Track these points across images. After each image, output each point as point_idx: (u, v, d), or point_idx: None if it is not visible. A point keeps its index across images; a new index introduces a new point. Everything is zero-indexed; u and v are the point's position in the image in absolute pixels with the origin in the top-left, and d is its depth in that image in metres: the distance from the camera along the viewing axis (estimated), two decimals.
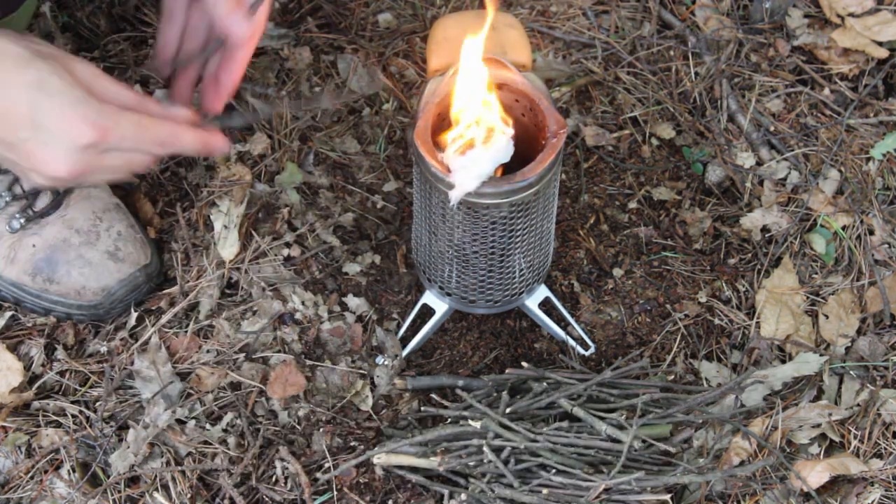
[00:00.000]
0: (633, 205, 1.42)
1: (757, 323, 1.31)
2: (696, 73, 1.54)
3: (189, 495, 1.15)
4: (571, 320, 1.30)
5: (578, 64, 1.55)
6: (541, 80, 1.10)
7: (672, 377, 1.27)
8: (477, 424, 1.13)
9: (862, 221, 1.39)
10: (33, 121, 0.85)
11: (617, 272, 1.36)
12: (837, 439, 1.21)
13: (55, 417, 1.21)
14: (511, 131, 1.03)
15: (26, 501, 1.16)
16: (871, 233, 1.38)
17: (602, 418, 1.14)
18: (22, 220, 1.24)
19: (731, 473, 1.15)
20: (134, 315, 1.27)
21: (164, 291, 1.30)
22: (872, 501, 1.16)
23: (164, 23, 1.08)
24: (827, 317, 1.32)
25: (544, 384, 1.18)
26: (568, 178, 1.45)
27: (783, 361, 1.28)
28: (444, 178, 1.03)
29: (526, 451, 1.13)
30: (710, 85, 1.53)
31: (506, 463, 1.12)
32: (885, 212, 1.40)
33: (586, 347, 1.29)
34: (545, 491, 1.11)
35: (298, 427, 1.21)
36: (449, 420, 1.19)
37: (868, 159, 1.46)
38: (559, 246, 1.38)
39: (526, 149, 1.15)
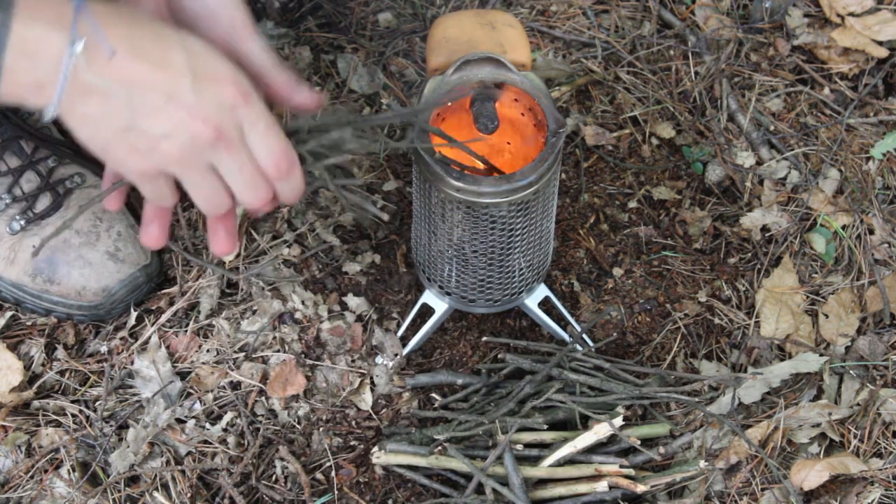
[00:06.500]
0: (632, 204, 1.42)
1: (757, 322, 1.31)
2: (696, 73, 1.54)
3: (189, 495, 1.15)
4: (571, 320, 1.30)
5: (578, 63, 1.55)
6: (541, 79, 1.10)
7: (672, 377, 1.27)
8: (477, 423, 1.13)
9: (862, 221, 1.39)
10: (189, 67, 0.80)
11: (617, 271, 1.36)
12: (837, 439, 1.21)
13: (55, 417, 1.22)
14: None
15: (26, 501, 1.16)
16: (871, 232, 1.38)
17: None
18: (22, 222, 1.24)
19: (730, 473, 1.15)
20: (134, 315, 1.27)
21: (164, 291, 1.30)
22: (872, 501, 1.16)
23: None
24: (827, 316, 1.32)
25: (540, 375, 1.18)
26: (568, 178, 1.45)
27: (783, 361, 1.28)
28: (444, 178, 1.03)
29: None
30: (710, 84, 1.53)
31: None
32: (885, 211, 1.40)
33: (586, 347, 1.29)
34: None
35: (298, 426, 1.21)
36: (449, 419, 1.19)
37: (868, 159, 1.46)
38: (559, 245, 1.38)
39: (526, 148, 1.15)
